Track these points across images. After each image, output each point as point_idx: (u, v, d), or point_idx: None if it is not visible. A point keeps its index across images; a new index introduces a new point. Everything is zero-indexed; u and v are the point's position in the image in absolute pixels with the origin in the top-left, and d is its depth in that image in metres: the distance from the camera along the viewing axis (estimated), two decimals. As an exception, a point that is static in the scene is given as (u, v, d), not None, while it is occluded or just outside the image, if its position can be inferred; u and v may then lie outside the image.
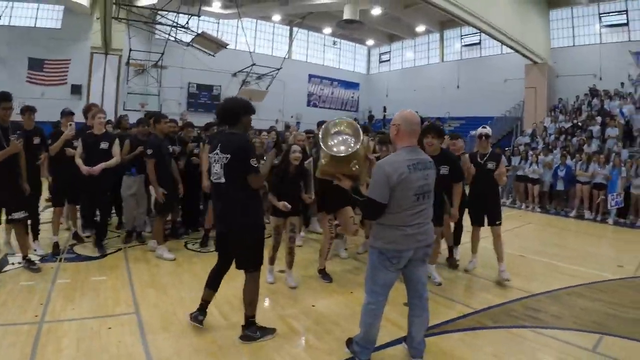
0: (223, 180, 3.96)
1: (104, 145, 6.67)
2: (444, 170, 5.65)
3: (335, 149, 3.88)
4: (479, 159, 6.50)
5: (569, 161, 14.08)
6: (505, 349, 4.22)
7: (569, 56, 23.29)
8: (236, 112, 4.18)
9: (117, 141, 6.92)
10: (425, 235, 3.51)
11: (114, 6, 18.16)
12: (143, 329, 4.25)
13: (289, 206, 5.39)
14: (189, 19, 18.89)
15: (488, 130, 6.57)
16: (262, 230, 4.15)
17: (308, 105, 31.97)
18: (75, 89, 23.27)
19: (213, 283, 4.33)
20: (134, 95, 24.92)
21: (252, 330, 4.12)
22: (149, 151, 6.65)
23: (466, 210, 6.79)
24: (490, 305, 5.37)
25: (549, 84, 22.89)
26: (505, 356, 4.07)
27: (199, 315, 4.28)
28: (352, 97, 33.62)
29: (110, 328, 4.20)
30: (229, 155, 3.92)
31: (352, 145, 3.85)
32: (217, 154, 4.01)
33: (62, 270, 5.90)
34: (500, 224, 6.42)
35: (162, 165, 6.77)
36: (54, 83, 23.10)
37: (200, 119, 25.92)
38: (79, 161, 6.52)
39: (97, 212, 6.79)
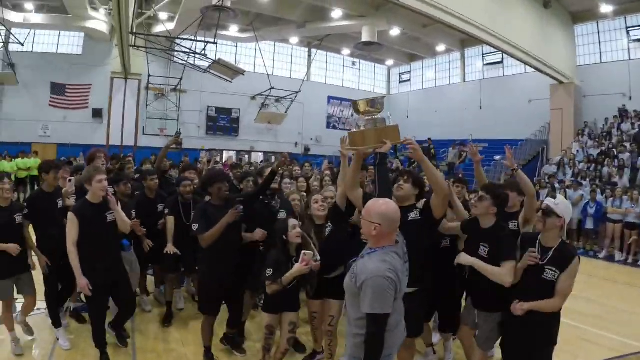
0: None
1: (110, 216, 4.95)
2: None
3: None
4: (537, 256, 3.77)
5: (599, 197, 13.33)
6: None
7: (597, 74, 22.11)
8: (204, 185, 5.31)
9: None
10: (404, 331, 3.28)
11: (131, 35, 18.12)
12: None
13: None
14: (205, 46, 18.75)
15: (555, 204, 3.71)
16: (203, 279, 5.20)
17: (328, 127, 31.46)
18: (96, 113, 24.03)
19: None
20: (153, 120, 25.06)
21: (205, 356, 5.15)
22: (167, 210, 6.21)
23: None
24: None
25: (576, 105, 21.89)
26: None
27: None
28: (373, 117, 32.94)
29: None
30: None
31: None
32: None
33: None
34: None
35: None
36: (75, 107, 23.84)
37: (220, 143, 26.09)
38: (72, 253, 4.59)
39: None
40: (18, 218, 4.99)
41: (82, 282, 4.53)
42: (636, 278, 10.94)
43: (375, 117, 4.00)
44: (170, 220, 6.11)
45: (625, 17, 21.43)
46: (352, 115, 31.57)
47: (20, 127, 22.34)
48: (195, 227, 4.76)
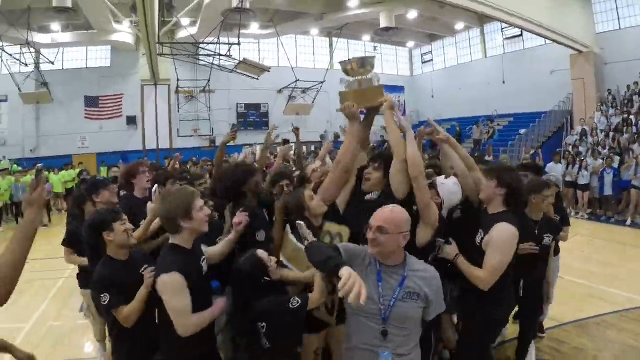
0: None
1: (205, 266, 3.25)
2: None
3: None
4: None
5: (615, 164, 13.46)
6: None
7: (617, 41, 21.65)
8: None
9: None
10: None
11: (158, 45, 18.91)
12: None
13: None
14: (229, 48, 19.40)
15: (441, 183, 3.85)
16: None
17: None
18: (131, 120, 25.34)
19: None
20: (186, 122, 26.18)
21: None
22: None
23: None
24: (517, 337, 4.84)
25: (597, 74, 21.59)
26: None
27: None
28: (398, 100, 32.77)
29: None
30: None
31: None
32: None
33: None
34: None
35: None
36: (110, 117, 25.07)
37: (251, 137, 26.82)
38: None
39: None
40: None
41: None
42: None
43: (361, 78, 3.87)
44: None
45: (643, -20, 20.94)
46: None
47: (59, 141, 23.75)
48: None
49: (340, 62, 3.92)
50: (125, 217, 3.30)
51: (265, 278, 3.04)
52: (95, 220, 3.33)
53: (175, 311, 2.80)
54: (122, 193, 5.23)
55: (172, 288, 2.79)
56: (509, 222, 3.34)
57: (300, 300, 2.92)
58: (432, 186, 3.55)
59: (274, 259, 3.13)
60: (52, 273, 8.91)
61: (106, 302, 3.05)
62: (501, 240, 3.29)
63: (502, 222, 3.34)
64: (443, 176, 3.70)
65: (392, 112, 3.61)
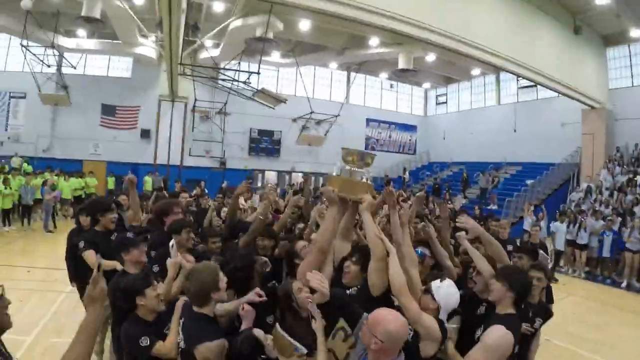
0: None
1: None
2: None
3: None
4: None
5: (616, 226, 13.44)
6: None
7: (629, 97, 21.82)
8: None
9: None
10: None
11: (179, 65, 19.29)
12: None
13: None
14: (249, 76, 19.65)
15: (437, 287, 3.52)
16: None
17: (366, 148, 31.43)
18: (145, 133, 25.53)
19: None
20: (198, 142, 26.40)
21: None
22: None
23: None
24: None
25: (608, 130, 21.78)
26: None
27: None
28: (410, 139, 33.59)
29: None
30: None
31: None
32: None
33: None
34: None
35: None
36: (125, 127, 25.40)
37: (262, 163, 27.18)
38: None
39: None
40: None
41: None
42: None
43: (353, 169, 3.91)
44: None
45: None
46: (389, 137, 32.30)
47: (72, 145, 24.21)
48: None
49: (342, 148, 3.96)
50: (156, 282, 3.51)
51: (262, 356, 3.12)
52: (128, 286, 3.49)
53: None
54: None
55: (219, 354, 3.03)
56: (509, 327, 3.26)
57: None
58: (427, 291, 3.45)
59: (269, 337, 3.16)
60: (52, 285, 8.81)
61: (147, 343, 3.27)
62: (494, 346, 3.21)
63: (502, 325, 3.27)
64: (438, 280, 3.53)
65: (368, 214, 3.62)
